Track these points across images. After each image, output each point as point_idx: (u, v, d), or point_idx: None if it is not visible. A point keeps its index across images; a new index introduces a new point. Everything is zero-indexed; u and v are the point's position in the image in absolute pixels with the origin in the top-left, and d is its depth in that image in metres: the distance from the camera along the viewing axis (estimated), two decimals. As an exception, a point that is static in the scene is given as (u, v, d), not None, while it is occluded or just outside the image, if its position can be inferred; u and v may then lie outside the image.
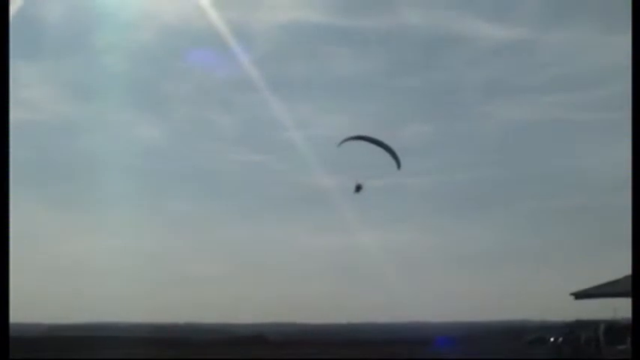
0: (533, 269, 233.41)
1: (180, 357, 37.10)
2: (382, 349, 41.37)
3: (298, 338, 78.56)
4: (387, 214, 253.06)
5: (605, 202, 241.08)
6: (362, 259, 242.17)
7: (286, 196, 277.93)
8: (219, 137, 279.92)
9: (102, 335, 75.98)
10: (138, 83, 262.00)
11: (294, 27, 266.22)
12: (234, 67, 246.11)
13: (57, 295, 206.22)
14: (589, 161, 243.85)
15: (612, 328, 25.07)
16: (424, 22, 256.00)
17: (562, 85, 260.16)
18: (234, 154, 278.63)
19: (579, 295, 24.03)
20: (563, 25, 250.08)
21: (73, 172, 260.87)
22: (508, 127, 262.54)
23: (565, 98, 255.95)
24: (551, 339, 24.26)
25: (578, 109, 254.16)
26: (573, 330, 26.28)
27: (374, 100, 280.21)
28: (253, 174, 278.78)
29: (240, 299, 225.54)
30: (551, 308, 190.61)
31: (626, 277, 23.25)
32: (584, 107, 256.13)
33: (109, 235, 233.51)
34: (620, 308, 30.44)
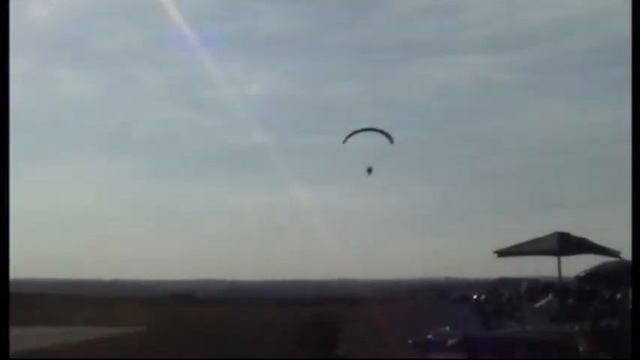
0: (460, 228, 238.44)
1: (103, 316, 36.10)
2: (312, 307, 41.21)
3: (226, 296, 78.44)
4: (319, 172, 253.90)
5: (533, 163, 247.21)
6: (293, 218, 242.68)
7: (215, 154, 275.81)
8: (147, 95, 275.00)
9: (21, 292, 73.84)
10: (62, 39, 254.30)
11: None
12: (162, 25, 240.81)
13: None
14: (516, 123, 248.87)
15: (533, 285, 25.39)
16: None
17: (489, 47, 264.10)
18: (161, 112, 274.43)
19: (502, 253, 24.15)
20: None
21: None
22: (434, 88, 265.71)
23: (492, 59, 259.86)
24: (474, 297, 24.36)
25: (505, 71, 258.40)
26: (496, 288, 26.50)
27: (301, 58, 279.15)
28: (181, 132, 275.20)
29: (167, 257, 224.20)
30: (476, 267, 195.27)
31: (548, 236, 23.44)
32: (511, 69, 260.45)
33: (28, 194, 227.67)
34: (542, 266, 30.78)
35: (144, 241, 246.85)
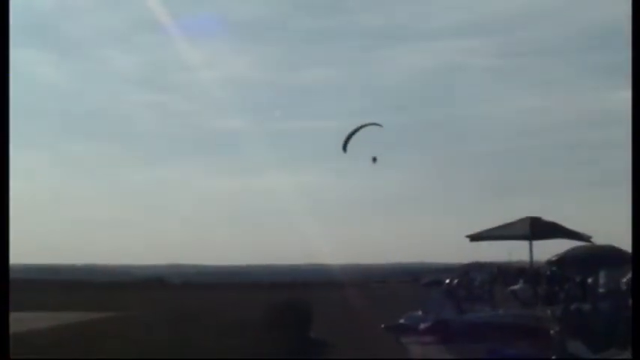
0: (433, 213, 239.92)
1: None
2: (285, 291, 41.22)
3: (197, 280, 78.26)
4: (293, 157, 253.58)
5: (506, 148, 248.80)
6: (266, 202, 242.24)
7: (188, 138, 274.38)
8: (120, 78, 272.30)
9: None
10: (32, 20, 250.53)
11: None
12: (136, 8, 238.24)
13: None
14: (491, 108, 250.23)
15: (505, 269, 25.54)
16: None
17: (462, 31, 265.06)
18: (134, 95, 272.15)
19: (475, 238, 24.26)
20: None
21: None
22: (410, 74, 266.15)
23: (466, 44, 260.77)
24: (447, 281, 24.44)
25: (479, 56, 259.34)
26: (468, 272, 26.59)
27: (276, 42, 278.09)
28: (154, 115, 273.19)
29: (139, 242, 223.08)
30: (449, 251, 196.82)
31: (520, 220, 23.56)
32: (485, 54, 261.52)
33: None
34: (514, 251, 30.98)
35: (117, 225, 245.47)
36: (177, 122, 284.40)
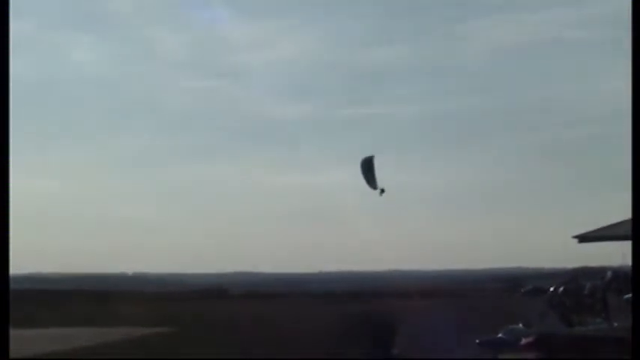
0: (529, 210, 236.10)
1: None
2: (361, 302, 41.43)
3: (262, 290, 78.69)
4: (358, 148, 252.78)
5: (614, 133, 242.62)
6: (334, 201, 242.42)
7: (242, 128, 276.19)
8: (165, 61, 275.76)
9: (40, 289, 75.74)
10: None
11: None
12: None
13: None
14: (591, 87, 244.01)
15: (620, 275, 25.09)
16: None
17: (550, 2, 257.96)
18: (182, 81, 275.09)
19: (583, 238, 23.90)
20: None
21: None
22: (492, 50, 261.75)
23: (563, 14, 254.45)
24: (551, 289, 24.19)
25: (570, 28, 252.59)
26: (576, 278, 26.25)
27: (341, 18, 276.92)
28: (204, 103, 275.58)
29: (193, 247, 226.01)
30: (552, 254, 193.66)
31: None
32: (576, 25, 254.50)
33: (42, 176, 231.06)
34: (628, 253, 30.39)
35: (167, 229, 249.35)
36: (231, 111, 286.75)
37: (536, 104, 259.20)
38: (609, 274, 25.53)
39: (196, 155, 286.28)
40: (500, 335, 21.89)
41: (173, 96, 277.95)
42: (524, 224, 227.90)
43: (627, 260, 34.04)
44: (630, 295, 21.14)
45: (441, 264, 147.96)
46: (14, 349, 11.36)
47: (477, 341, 22.34)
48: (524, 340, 20.06)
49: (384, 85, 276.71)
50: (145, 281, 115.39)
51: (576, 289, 23.73)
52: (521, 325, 21.97)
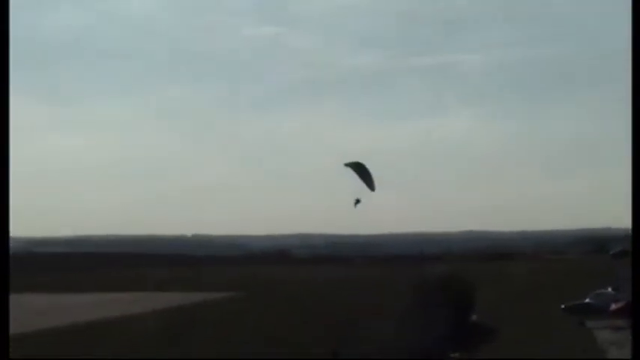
0: (619, 167, 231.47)
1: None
2: (435, 264, 41.84)
3: (326, 254, 78.73)
4: (435, 99, 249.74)
5: None
6: (405, 157, 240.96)
7: (311, 78, 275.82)
8: (223, 7, 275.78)
9: (100, 252, 77.72)
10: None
11: None
12: None
13: (35, 207, 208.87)
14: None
15: None
16: None
17: None
18: (242, 28, 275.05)
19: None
20: None
21: (47, 56, 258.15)
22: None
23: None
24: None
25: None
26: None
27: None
28: (266, 52, 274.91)
29: (253, 208, 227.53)
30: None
31: None
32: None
33: (98, 132, 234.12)
34: None
35: (227, 189, 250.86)
36: (297, 60, 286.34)
37: (623, 52, 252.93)
38: None
39: (255, 109, 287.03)
40: (587, 300, 22.11)
41: (232, 45, 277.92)
42: (611, 180, 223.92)
43: None
44: None
45: (520, 225, 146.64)
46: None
47: (562, 307, 22.61)
48: (613, 306, 20.25)
49: (461, 31, 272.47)
50: (206, 243, 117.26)
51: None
52: (610, 289, 22.17)
